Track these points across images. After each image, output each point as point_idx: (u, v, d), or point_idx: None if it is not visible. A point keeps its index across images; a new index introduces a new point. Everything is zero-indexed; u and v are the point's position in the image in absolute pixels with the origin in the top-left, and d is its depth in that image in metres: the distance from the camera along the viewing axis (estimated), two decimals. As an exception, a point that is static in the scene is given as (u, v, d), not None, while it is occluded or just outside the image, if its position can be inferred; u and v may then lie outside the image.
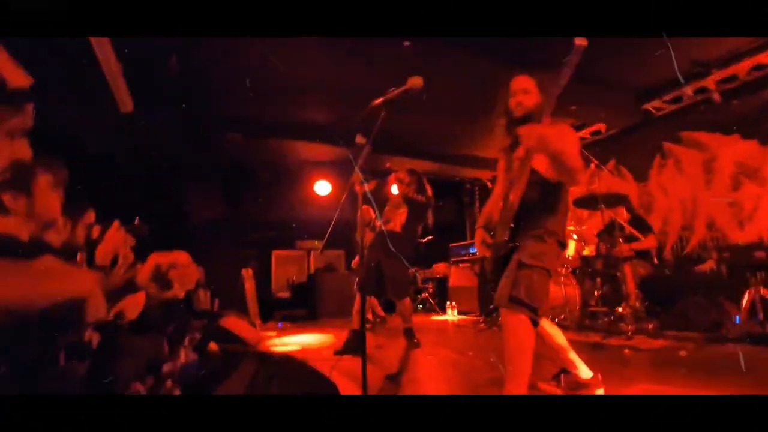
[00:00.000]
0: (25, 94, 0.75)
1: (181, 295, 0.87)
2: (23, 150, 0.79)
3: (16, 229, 1.18)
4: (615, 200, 3.87)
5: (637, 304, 3.57)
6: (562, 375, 1.96)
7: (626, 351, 2.95)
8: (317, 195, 6.05)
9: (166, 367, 2.66)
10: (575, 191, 5.42)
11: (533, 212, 1.73)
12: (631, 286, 3.64)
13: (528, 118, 1.79)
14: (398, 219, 3.53)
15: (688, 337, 3.14)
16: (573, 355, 1.89)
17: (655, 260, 4.10)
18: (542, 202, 1.75)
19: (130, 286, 0.87)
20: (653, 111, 4.82)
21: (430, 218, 3.69)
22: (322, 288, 6.10)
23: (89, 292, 0.72)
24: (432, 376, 2.50)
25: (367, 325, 4.05)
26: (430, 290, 6.64)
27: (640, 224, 4.03)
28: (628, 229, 3.93)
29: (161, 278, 0.83)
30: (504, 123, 1.91)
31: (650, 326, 3.39)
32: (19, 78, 0.73)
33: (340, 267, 7.14)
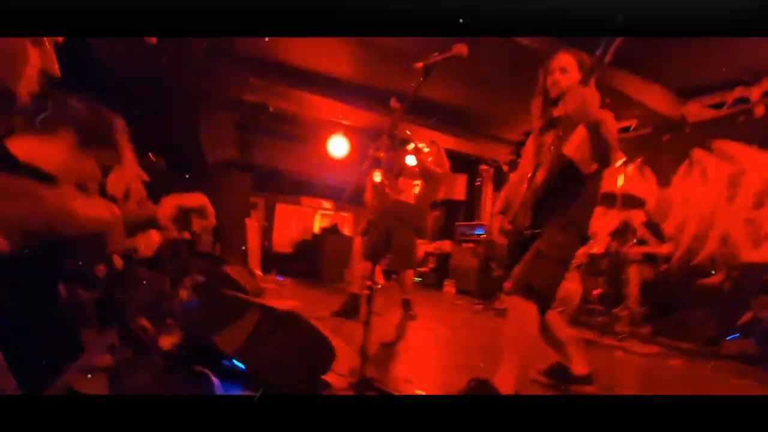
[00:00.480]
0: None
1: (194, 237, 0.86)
2: (51, 64, 0.74)
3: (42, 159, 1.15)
4: (632, 201, 3.79)
5: (636, 308, 3.58)
6: (553, 366, 1.96)
7: (617, 352, 2.97)
8: (331, 155, 5.95)
9: (166, 305, 2.72)
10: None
11: (558, 199, 1.65)
12: (633, 289, 3.63)
13: (561, 99, 1.69)
14: (412, 190, 3.48)
15: (680, 347, 3.16)
16: (573, 349, 1.89)
17: (663, 266, 4.06)
18: (569, 189, 1.65)
19: (148, 222, 0.84)
20: (690, 115, 4.62)
21: (440, 192, 3.63)
22: (326, 249, 6.12)
23: (112, 224, 0.69)
24: (426, 350, 2.54)
25: (365, 291, 4.09)
26: (431, 265, 6.67)
27: (654, 230, 3.96)
28: (641, 232, 3.87)
29: (182, 220, 0.80)
30: (539, 102, 1.82)
31: (645, 331, 3.41)
32: None
33: (344, 230, 7.16)
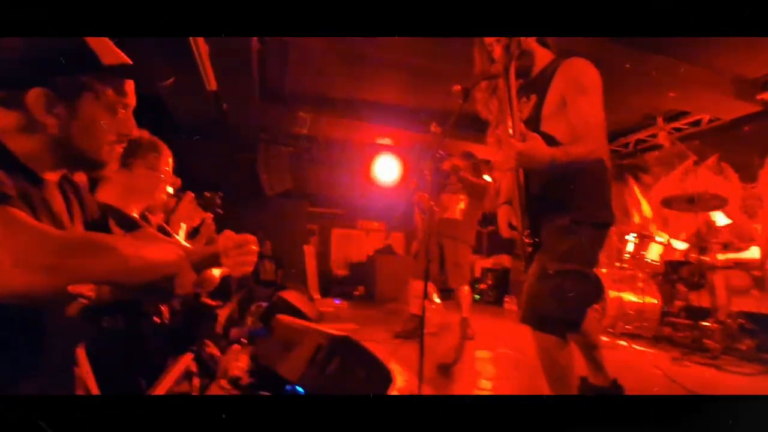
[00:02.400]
0: (120, 70, 0.79)
1: (236, 274, 0.92)
2: (128, 125, 0.84)
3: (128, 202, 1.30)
4: (712, 202, 3.42)
5: (728, 320, 3.17)
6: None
7: (710, 371, 2.64)
8: (380, 178, 6.07)
9: (234, 332, 2.89)
10: (666, 188, 4.90)
11: (552, 191, 1.36)
12: (721, 299, 3.23)
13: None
14: (457, 206, 3.45)
15: (792, 365, 2.73)
16: (599, 356, 1.64)
17: (757, 272, 3.59)
18: (562, 178, 1.34)
19: (212, 259, 0.92)
20: (771, 101, 4.13)
21: (489, 203, 3.52)
22: (380, 270, 6.19)
23: (180, 266, 0.77)
24: (486, 372, 2.44)
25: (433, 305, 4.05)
26: (489, 282, 6.46)
27: (741, 231, 3.53)
28: (725, 235, 3.46)
29: (229, 254, 0.89)
30: (484, 85, 1.50)
31: (744, 346, 3.00)
32: (113, 56, 0.77)
33: (398, 250, 7.18)
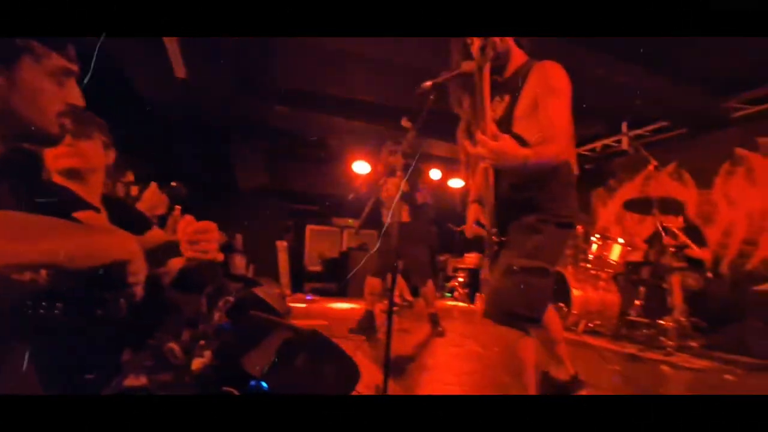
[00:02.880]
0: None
1: (199, 259, 0.90)
2: (75, 95, 0.79)
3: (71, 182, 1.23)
4: (670, 206, 3.59)
5: (683, 319, 3.34)
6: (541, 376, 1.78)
7: (664, 367, 2.78)
8: (356, 174, 6.05)
9: (202, 327, 2.81)
10: (628, 192, 5.11)
11: (520, 192, 1.39)
12: (678, 299, 3.40)
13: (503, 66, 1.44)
14: (403, 212, 3.53)
15: (737, 361, 2.91)
16: (561, 349, 1.70)
17: (709, 274, 3.80)
18: (530, 179, 1.37)
19: (170, 247, 0.89)
20: (729, 111, 4.38)
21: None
22: (354, 266, 6.18)
23: (132, 254, 0.74)
24: (454, 367, 2.48)
25: (394, 308, 4.09)
26: (461, 279, 6.56)
27: (695, 235, 3.73)
28: (682, 238, 3.65)
29: (194, 242, 0.85)
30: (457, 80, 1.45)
31: (695, 344, 3.17)
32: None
33: (373, 247, 7.19)
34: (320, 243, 7.89)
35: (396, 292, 3.39)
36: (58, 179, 1.22)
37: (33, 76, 0.71)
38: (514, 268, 1.32)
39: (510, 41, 1.47)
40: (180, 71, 3.40)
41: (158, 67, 3.56)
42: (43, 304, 0.64)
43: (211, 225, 0.87)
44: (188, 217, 0.86)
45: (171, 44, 3.29)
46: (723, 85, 4.19)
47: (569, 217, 1.43)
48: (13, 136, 0.74)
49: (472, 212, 1.67)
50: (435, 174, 3.64)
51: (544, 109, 1.34)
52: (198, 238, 0.85)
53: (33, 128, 0.73)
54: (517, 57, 1.50)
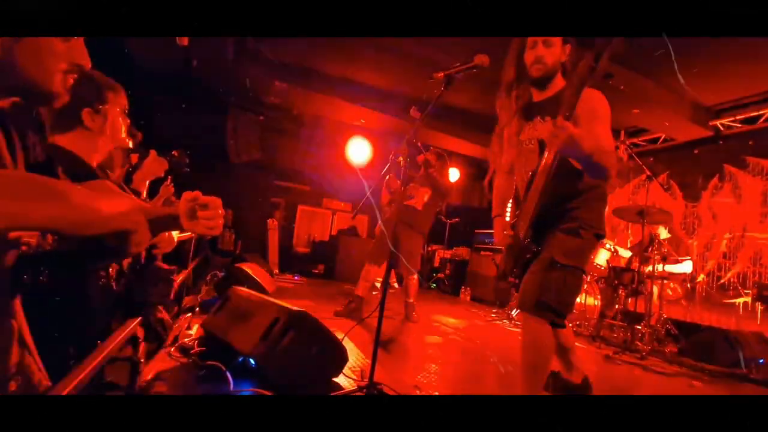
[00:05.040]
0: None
1: (204, 237, 0.89)
2: (82, 54, 0.77)
3: (88, 150, 1.20)
4: (659, 216, 3.68)
5: (658, 326, 3.46)
6: (550, 377, 1.87)
7: (636, 370, 2.88)
8: (352, 158, 6.01)
9: (187, 300, 2.80)
10: (618, 199, 5.21)
11: (564, 204, 1.49)
12: (655, 306, 3.51)
13: (546, 80, 1.50)
14: (421, 197, 3.55)
15: (705, 369, 3.04)
16: (573, 357, 1.78)
17: (687, 284, 3.92)
18: (574, 193, 1.49)
19: (171, 219, 0.88)
20: (722, 129, 4.46)
21: (445, 204, 3.74)
22: (342, 250, 6.18)
23: (136, 223, 0.72)
24: (437, 357, 2.52)
25: (374, 292, 4.13)
26: (447, 272, 6.63)
27: (679, 246, 3.84)
28: (666, 248, 3.74)
29: (192, 214, 0.83)
30: (510, 81, 1.56)
31: (667, 350, 3.30)
32: None
33: (363, 232, 7.20)
34: (310, 224, 7.86)
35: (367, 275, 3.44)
36: (59, 141, 1.19)
37: None
38: (558, 262, 1.40)
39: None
40: (182, 38, 3.30)
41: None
42: (42, 268, 0.63)
43: (217, 200, 0.85)
44: (190, 193, 0.85)
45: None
46: (716, 104, 4.27)
47: (602, 230, 1.54)
48: (12, 90, 0.72)
49: (500, 226, 1.75)
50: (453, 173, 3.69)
51: (589, 132, 1.36)
52: (206, 214, 0.84)
53: (34, 84, 0.71)
54: (559, 79, 1.54)
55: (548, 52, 1.47)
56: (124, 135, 1.35)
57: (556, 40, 1.47)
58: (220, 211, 0.85)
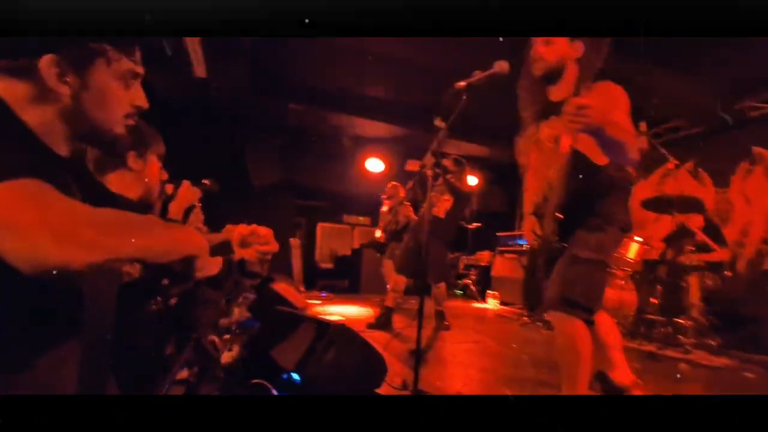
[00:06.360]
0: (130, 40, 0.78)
1: (263, 269, 0.94)
2: (140, 96, 0.83)
3: (131, 188, 1.28)
4: (689, 205, 3.58)
5: (701, 317, 3.34)
6: (596, 377, 1.77)
7: (682, 365, 2.78)
8: (368, 172, 6.09)
9: (223, 322, 2.86)
10: (644, 190, 5.09)
11: (585, 200, 1.47)
12: (695, 298, 3.39)
13: (553, 77, 1.49)
14: (443, 205, 3.56)
15: (755, 360, 2.91)
16: (618, 355, 1.71)
17: (728, 273, 3.78)
18: (594, 187, 1.48)
19: (222, 247, 0.94)
20: (746, 111, 4.34)
21: (468, 210, 3.74)
22: (365, 264, 6.22)
23: (202, 250, 0.77)
24: (474, 363, 2.51)
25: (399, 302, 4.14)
26: (473, 277, 6.57)
27: (714, 233, 3.71)
28: (700, 237, 3.63)
29: (246, 244, 0.89)
30: (526, 86, 1.58)
31: (714, 342, 3.17)
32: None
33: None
34: (331, 240, 7.94)
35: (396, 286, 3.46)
36: (104, 180, 1.27)
37: (104, 78, 0.74)
38: (581, 257, 1.40)
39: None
40: (201, 71, 3.45)
41: (177, 67, 3.61)
42: (137, 296, 0.68)
43: (270, 232, 0.93)
44: (253, 227, 0.92)
45: (192, 45, 3.34)
46: (740, 85, 4.16)
47: (626, 221, 1.53)
48: (81, 135, 0.78)
49: (529, 224, 1.73)
50: (471, 179, 3.72)
51: (611, 122, 1.34)
52: (257, 242, 0.91)
53: (102, 129, 0.77)
54: (574, 76, 1.52)
55: (548, 50, 1.47)
56: (158, 177, 1.45)
57: (559, 39, 1.47)
58: (273, 243, 0.92)
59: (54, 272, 0.55)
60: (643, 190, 5.15)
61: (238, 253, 0.96)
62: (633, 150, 1.35)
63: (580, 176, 1.44)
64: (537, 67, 1.49)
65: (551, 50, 1.47)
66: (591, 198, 1.48)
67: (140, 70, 0.81)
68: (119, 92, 0.77)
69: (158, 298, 1.13)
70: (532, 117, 1.62)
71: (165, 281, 0.77)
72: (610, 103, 1.40)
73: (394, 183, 4.46)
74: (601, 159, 1.46)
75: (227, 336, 2.68)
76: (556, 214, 1.43)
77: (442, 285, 3.52)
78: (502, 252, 6.13)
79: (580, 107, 1.19)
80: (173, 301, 1.28)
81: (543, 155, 1.60)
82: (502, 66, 1.39)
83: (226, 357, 2.06)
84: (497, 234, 6.44)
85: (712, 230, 3.74)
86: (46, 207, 0.56)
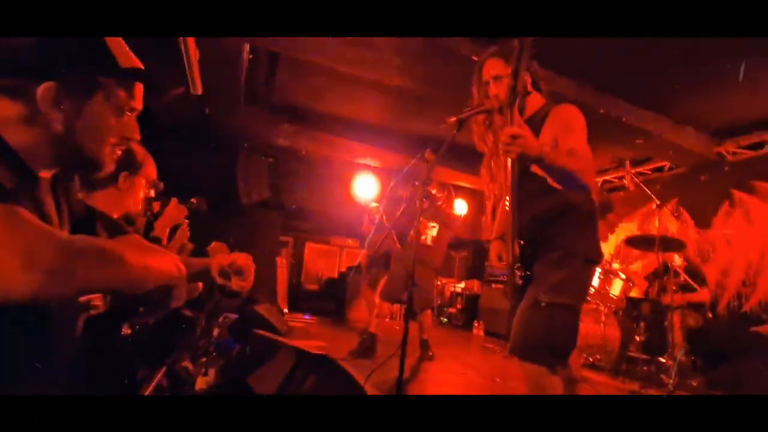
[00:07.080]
0: (133, 74, 0.79)
1: (242, 292, 0.92)
2: (133, 129, 0.83)
3: (116, 206, 1.26)
4: (672, 245, 3.65)
5: (683, 357, 3.35)
6: None
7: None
8: (359, 196, 6.10)
9: (203, 343, 2.77)
10: (628, 228, 5.19)
11: (545, 229, 1.39)
12: (678, 337, 3.41)
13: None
14: (429, 232, 3.57)
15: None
16: (578, 390, 1.69)
17: (709, 314, 3.83)
18: (555, 214, 1.39)
19: (202, 274, 0.93)
20: (727, 155, 4.51)
21: (456, 233, 3.76)
22: (352, 287, 6.14)
23: (179, 279, 0.76)
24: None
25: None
26: (459, 306, 6.53)
27: (695, 274, 3.78)
28: (683, 276, 3.69)
29: (225, 275, 0.89)
30: (482, 119, 1.53)
31: (695, 382, 3.17)
32: (128, 59, 0.77)
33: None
34: (318, 261, 7.86)
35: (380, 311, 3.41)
36: (90, 198, 1.25)
37: (100, 110, 0.75)
38: (541, 302, 1.30)
39: (528, 82, 1.48)
40: (196, 88, 3.47)
41: (172, 83, 3.63)
42: (102, 325, 0.66)
43: (249, 262, 0.92)
44: (233, 257, 0.91)
45: (189, 61, 3.37)
46: (720, 130, 4.35)
47: (595, 253, 1.43)
48: (65, 159, 0.77)
49: (495, 248, 1.69)
50: (461, 205, 3.74)
51: (564, 144, 1.35)
52: (235, 271, 0.90)
53: (87, 155, 0.76)
54: (535, 100, 1.53)
55: (498, 85, 1.44)
56: (144, 196, 1.47)
57: (503, 71, 1.42)
58: (251, 272, 0.91)
59: (24, 301, 0.52)
60: (627, 227, 5.25)
61: (219, 282, 0.94)
62: (586, 174, 1.30)
63: (539, 201, 1.38)
64: (489, 103, 1.46)
65: (500, 86, 1.43)
66: (553, 227, 1.40)
67: (138, 105, 0.82)
68: (112, 123, 0.77)
69: (130, 323, 1.09)
70: (493, 145, 1.55)
71: (140, 309, 0.74)
72: (566, 126, 1.39)
73: (377, 206, 4.46)
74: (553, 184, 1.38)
75: (204, 359, 2.60)
76: (517, 240, 1.34)
77: (428, 312, 3.51)
78: (489, 282, 6.13)
79: (514, 136, 1.18)
80: (150, 323, 1.24)
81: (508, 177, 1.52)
82: (492, 103, 1.43)
83: (201, 382, 1.98)
84: (486, 263, 6.45)
85: (693, 271, 3.80)
86: (19, 234, 0.54)
